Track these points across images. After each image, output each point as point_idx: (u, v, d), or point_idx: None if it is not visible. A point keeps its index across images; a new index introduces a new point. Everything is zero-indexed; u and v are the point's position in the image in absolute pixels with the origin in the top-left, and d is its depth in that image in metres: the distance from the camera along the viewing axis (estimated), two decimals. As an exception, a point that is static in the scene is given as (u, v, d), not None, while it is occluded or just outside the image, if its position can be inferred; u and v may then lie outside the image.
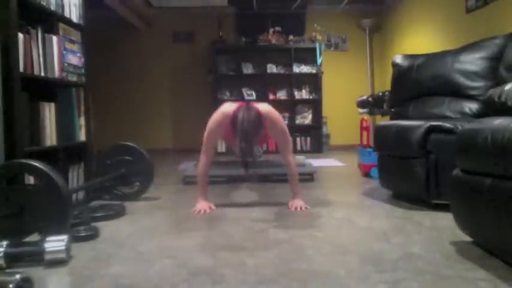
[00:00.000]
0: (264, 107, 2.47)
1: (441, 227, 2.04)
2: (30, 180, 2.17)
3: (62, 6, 2.70)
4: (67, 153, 2.68)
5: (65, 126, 2.67)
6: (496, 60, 2.69)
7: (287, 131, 2.56)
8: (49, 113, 2.50)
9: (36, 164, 1.80)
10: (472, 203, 1.57)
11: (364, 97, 4.13)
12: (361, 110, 4.21)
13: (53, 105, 2.54)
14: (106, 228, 2.13)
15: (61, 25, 2.65)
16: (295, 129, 6.62)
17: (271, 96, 6.61)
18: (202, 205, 2.53)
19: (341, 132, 6.77)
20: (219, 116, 2.49)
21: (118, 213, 2.41)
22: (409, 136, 2.44)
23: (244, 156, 2.30)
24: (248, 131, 2.26)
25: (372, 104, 3.96)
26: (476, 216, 1.55)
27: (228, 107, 2.49)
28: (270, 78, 6.61)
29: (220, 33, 6.64)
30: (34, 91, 2.39)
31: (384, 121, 2.96)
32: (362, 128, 4.10)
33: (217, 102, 6.51)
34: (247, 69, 6.64)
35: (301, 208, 2.51)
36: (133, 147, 2.87)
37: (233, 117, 2.36)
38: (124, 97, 6.87)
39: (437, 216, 2.23)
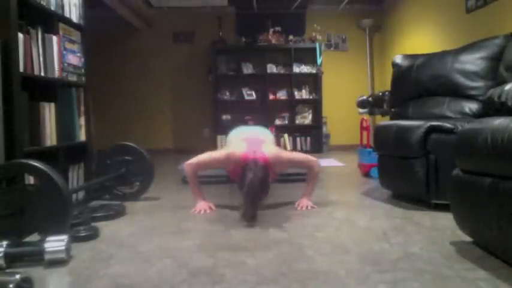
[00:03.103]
0: (270, 151, 2.45)
1: (441, 227, 2.04)
2: (30, 180, 2.17)
3: (62, 6, 2.70)
4: (67, 153, 2.68)
5: (65, 126, 2.67)
6: (496, 60, 2.69)
7: (296, 156, 2.60)
8: (49, 113, 2.50)
9: (36, 164, 1.80)
10: (472, 203, 1.57)
11: (364, 97, 4.13)
12: (361, 110, 4.21)
13: (53, 105, 2.54)
14: (106, 228, 2.13)
15: (61, 25, 2.65)
16: (295, 129, 6.62)
17: (271, 96, 6.61)
18: (202, 205, 2.54)
19: (341, 132, 6.77)
20: (226, 156, 2.46)
21: (118, 213, 2.41)
22: (409, 136, 2.44)
23: (251, 209, 2.26)
24: (256, 195, 2.21)
25: (372, 104, 3.96)
26: (476, 216, 1.55)
27: (237, 149, 2.45)
28: (270, 78, 6.61)
29: (220, 33, 6.64)
30: (34, 91, 2.39)
31: (384, 121, 2.96)
32: (362, 128, 4.10)
33: (217, 102, 6.55)
34: (247, 69, 6.64)
35: (307, 207, 2.52)
36: (133, 147, 2.87)
37: (242, 167, 2.29)
38: (124, 97, 6.87)
39: (437, 216, 2.23)
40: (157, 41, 6.88)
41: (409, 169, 2.46)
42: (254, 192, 2.18)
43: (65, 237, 1.63)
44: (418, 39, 5.42)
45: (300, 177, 3.22)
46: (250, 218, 2.21)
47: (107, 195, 2.89)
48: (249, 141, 2.54)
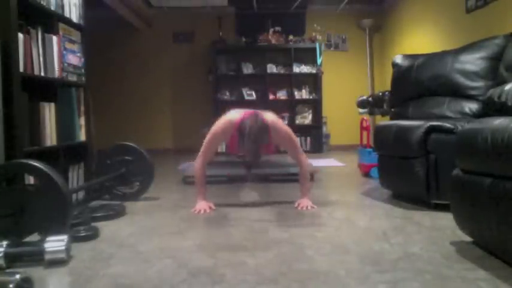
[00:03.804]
0: (269, 116, 2.49)
1: (441, 227, 2.04)
2: (30, 180, 2.17)
3: (62, 6, 2.70)
4: (67, 153, 2.68)
5: (65, 126, 2.67)
6: (496, 60, 2.69)
7: (293, 135, 2.60)
8: (49, 113, 2.50)
9: (36, 164, 1.80)
10: (472, 203, 1.57)
11: (364, 97, 4.13)
12: (361, 110, 4.21)
13: (53, 105, 2.54)
14: (106, 228, 2.13)
15: (61, 25, 2.65)
16: (295, 129, 6.54)
17: (271, 96, 6.61)
18: (202, 205, 2.53)
19: (341, 132, 6.77)
20: (225, 123, 2.49)
21: (118, 213, 2.41)
22: (409, 136, 2.44)
23: (253, 158, 2.35)
24: (256, 136, 2.31)
25: (372, 104, 3.96)
26: (476, 216, 1.55)
27: (234, 115, 2.49)
28: (270, 78, 6.61)
29: (220, 33, 6.64)
30: (34, 91, 2.39)
31: (384, 121, 2.96)
32: (362, 128, 4.10)
33: (217, 102, 6.54)
34: (247, 69, 6.65)
35: (307, 207, 2.52)
36: (133, 147, 2.87)
37: (239, 125, 2.37)
38: (124, 97, 6.87)
39: (437, 216, 2.23)
40: (157, 41, 6.88)
41: (409, 169, 2.46)
42: (255, 137, 2.26)
43: (65, 237, 1.63)
44: (418, 39, 5.42)
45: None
46: (253, 162, 2.25)
47: (107, 195, 2.89)
48: (247, 112, 2.57)
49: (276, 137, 2.51)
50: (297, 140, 2.66)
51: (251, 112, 2.46)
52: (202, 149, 2.56)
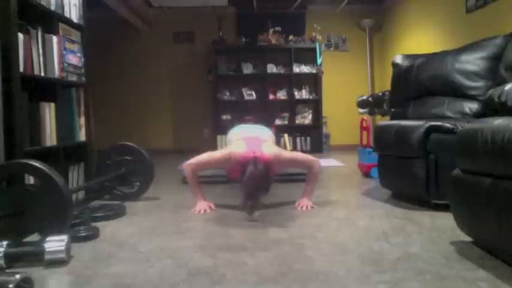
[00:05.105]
0: (270, 150, 2.46)
1: (441, 227, 2.04)
2: (30, 180, 2.17)
3: (62, 6, 2.70)
4: (67, 153, 2.68)
5: (65, 126, 2.68)
6: (496, 60, 2.69)
7: (297, 155, 2.61)
8: (49, 113, 2.50)
9: (36, 164, 1.80)
10: (472, 203, 1.57)
11: (364, 97, 4.13)
12: (361, 110, 4.21)
13: (52, 105, 2.54)
14: (106, 228, 2.13)
15: (61, 25, 2.65)
16: (295, 129, 6.62)
17: (271, 96, 6.60)
18: (202, 205, 2.54)
19: (341, 132, 6.77)
20: (226, 156, 2.48)
21: (118, 213, 2.41)
22: (409, 136, 2.44)
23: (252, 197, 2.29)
24: (256, 186, 2.23)
25: (372, 104, 3.96)
26: (476, 216, 1.55)
27: (237, 148, 2.46)
28: (270, 78, 6.60)
29: (220, 33, 6.64)
30: (34, 91, 2.39)
31: (384, 121, 2.96)
32: (362, 128, 4.10)
33: (217, 102, 6.55)
34: (247, 69, 6.64)
35: (307, 207, 2.52)
36: (133, 147, 2.87)
37: (242, 164, 2.32)
38: (124, 97, 6.86)
39: (437, 216, 2.23)
40: (157, 41, 6.88)
41: (409, 169, 2.46)
42: (254, 183, 2.19)
43: (65, 237, 1.63)
44: (418, 39, 5.42)
45: (300, 177, 3.22)
46: (249, 209, 2.22)
47: (107, 195, 2.89)
48: (248, 140, 2.54)
49: (281, 166, 2.53)
50: (300, 154, 2.66)
51: (251, 155, 2.34)
52: (195, 161, 2.53)
